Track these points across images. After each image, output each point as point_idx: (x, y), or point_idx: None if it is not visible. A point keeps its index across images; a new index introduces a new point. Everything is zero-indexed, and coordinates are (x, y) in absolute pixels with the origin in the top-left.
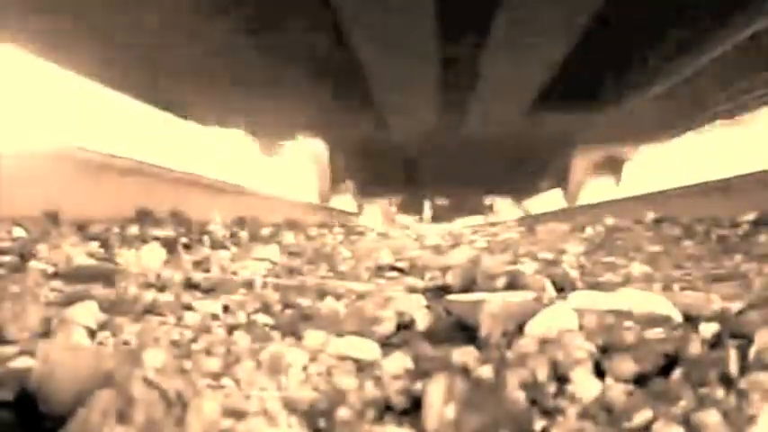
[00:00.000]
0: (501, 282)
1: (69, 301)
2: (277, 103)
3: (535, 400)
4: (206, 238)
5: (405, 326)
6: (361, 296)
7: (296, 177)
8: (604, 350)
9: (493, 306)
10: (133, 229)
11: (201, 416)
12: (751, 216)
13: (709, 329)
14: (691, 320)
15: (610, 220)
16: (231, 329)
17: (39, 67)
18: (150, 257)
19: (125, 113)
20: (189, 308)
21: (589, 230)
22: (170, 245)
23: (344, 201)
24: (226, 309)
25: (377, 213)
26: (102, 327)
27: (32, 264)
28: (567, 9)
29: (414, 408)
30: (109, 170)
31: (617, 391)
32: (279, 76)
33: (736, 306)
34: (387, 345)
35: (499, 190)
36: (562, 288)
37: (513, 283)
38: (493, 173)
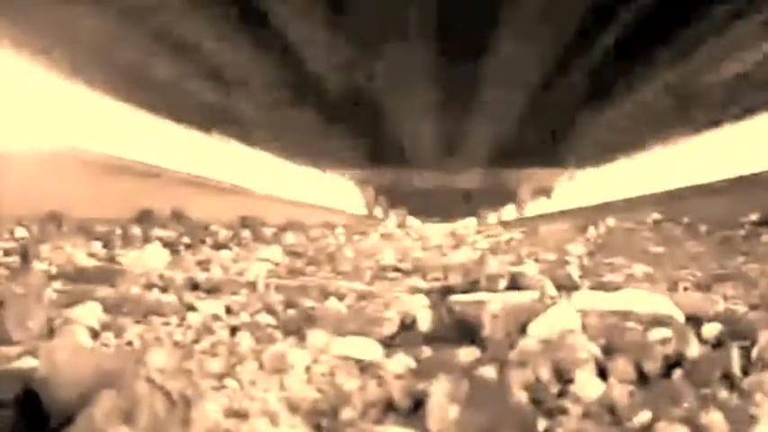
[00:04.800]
0: (503, 282)
1: (72, 301)
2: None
3: (538, 401)
4: (208, 238)
5: (407, 326)
6: (363, 296)
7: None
8: (607, 351)
9: (495, 306)
10: (135, 230)
11: (205, 416)
12: (754, 216)
13: (711, 330)
14: (693, 321)
15: (612, 221)
16: (234, 330)
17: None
18: (153, 258)
19: (128, 114)
20: (191, 308)
21: (591, 231)
22: (172, 245)
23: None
24: (228, 309)
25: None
26: (105, 327)
27: (35, 264)
28: None
29: (417, 408)
30: (111, 170)
31: (620, 392)
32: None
33: (738, 307)
34: (389, 345)
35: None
36: (565, 288)
37: (516, 284)
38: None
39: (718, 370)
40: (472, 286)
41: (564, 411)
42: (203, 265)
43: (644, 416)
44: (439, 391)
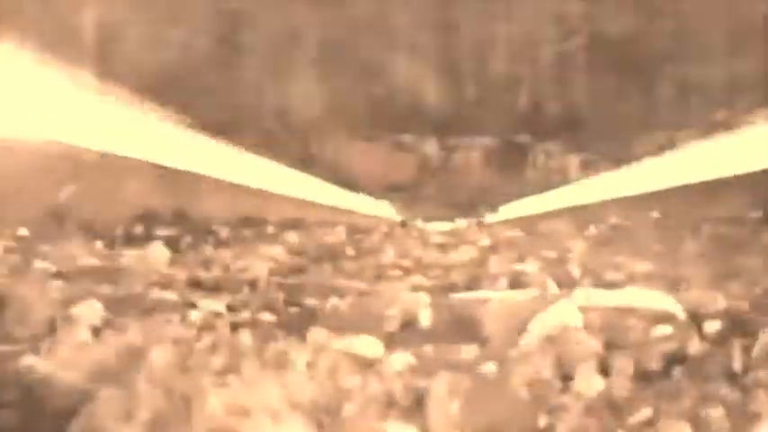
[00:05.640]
0: (504, 280)
1: (74, 299)
2: None
3: (539, 397)
4: (210, 236)
5: (409, 324)
6: (364, 294)
7: None
8: (608, 347)
9: (497, 304)
10: (138, 228)
11: (206, 413)
12: (757, 214)
13: (713, 327)
14: (695, 318)
15: (614, 218)
16: (235, 327)
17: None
18: (154, 256)
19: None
20: (193, 306)
21: (593, 229)
22: (174, 243)
23: None
24: (230, 307)
25: None
26: (107, 325)
27: (36, 263)
28: None
29: (418, 405)
30: (114, 169)
31: (621, 388)
32: None
33: (740, 304)
34: (391, 342)
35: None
36: (566, 286)
37: (517, 282)
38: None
39: (720, 367)
40: (473, 284)
41: (565, 408)
42: (205, 263)
43: (645, 412)
44: (440, 388)
